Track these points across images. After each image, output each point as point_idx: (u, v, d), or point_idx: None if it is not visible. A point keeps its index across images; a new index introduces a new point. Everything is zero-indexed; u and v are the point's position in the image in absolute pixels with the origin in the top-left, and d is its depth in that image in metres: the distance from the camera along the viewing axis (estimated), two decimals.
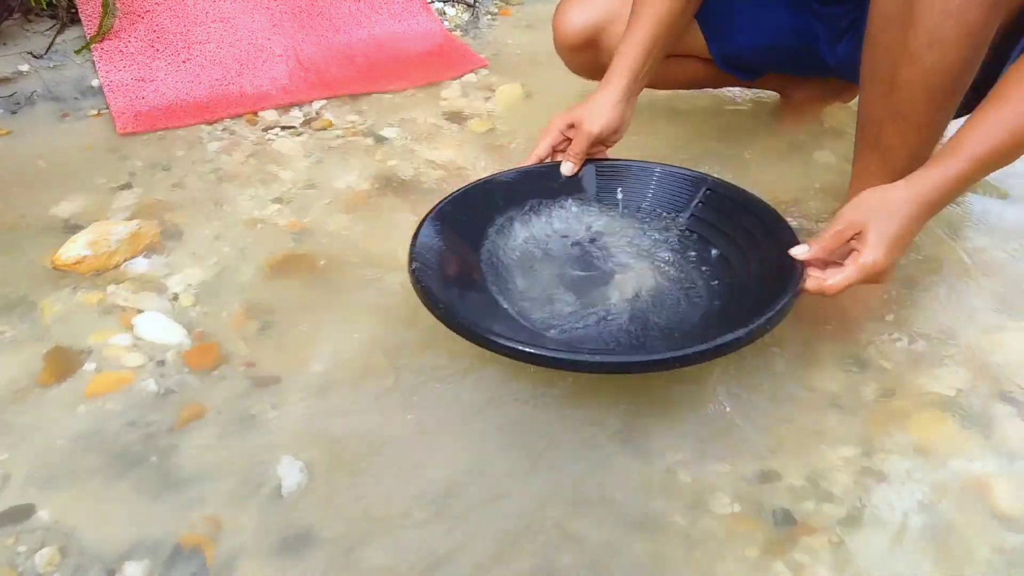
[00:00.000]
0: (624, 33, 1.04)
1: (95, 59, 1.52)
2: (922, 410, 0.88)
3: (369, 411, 0.87)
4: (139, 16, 1.57)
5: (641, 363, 0.81)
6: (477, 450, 0.83)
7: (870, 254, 0.79)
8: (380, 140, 1.40)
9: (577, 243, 1.03)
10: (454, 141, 1.40)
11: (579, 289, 0.96)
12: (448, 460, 0.82)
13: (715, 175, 1.03)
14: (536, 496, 0.78)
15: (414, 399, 0.89)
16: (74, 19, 1.63)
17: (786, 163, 1.31)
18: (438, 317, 0.82)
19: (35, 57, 1.56)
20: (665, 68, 1.29)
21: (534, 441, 0.84)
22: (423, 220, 0.94)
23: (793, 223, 0.95)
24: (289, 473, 0.80)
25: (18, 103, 1.46)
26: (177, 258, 1.10)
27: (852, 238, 0.81)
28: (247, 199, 1.23)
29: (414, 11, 1.78)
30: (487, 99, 1.54)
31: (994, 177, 1.22)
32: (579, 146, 1.02)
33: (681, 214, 1.03)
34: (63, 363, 0.92)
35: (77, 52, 1.56)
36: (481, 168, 1.30)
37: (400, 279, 1.06)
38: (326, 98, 1.52)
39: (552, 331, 0.89)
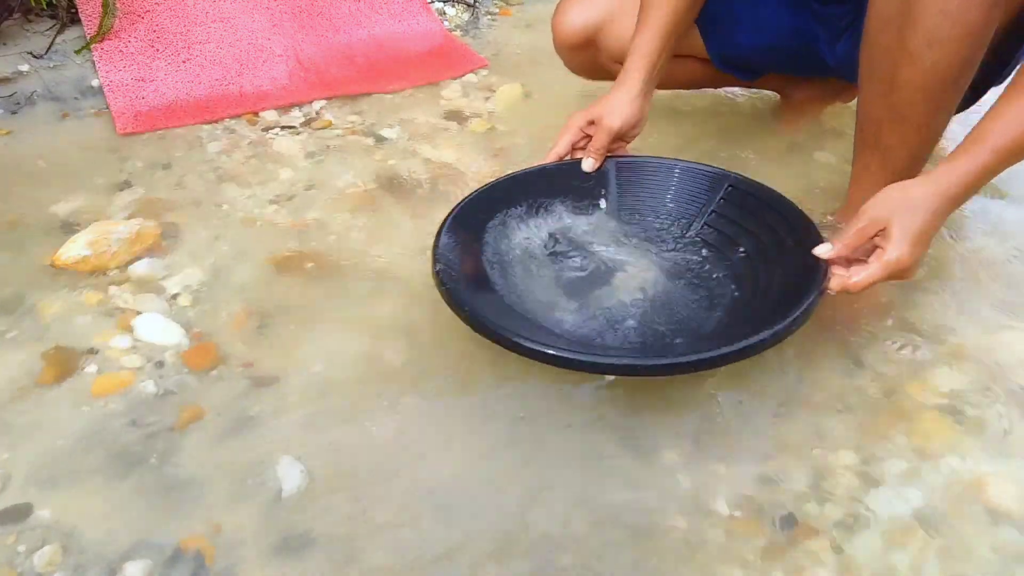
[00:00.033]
0: (636, 29, 1.05)
1: (95, 59, 1.52)
2: (922, 410, 0.87)
3: (369, 411, 0.87)
4: (139, 16, 1.57)
5: (667, 366, 0.81)
6: (477, 450, 0.83)
7: (894, 251, 0.79)
8: (380, 140, 1.40)
9: (597, 242, 1.02)
10: (454, 141, 1.40)
11: (599, 290, 0.96)
12: (447, 461, 0.82)
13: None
14: (535, 497, 0.78)
15: (414, 399, 0.89)
16: (74, 19, 1.62)
17: (786, 163, 1.31)
18: (464, 319, 0.82)
19: (35, 57, 1.56)
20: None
21: (533, 441, 0.84)
22: (445, 220, 0.94)
23: None
24: (289, 474, 0.80)
25: (18, 103, 1.46)
26: (176, 258, 1.10)
27: (875, 235, 0.81)
28: (247, 199, 1.23)
29: (414, 11, 1.78)
30: (487, 99, 1.54)
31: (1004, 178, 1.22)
32: (600, 142, 1.03)
33: (703, 211, 1.03)
34: (63, 363, 0.92)
35: (77, 52, 1.56)
36: (481, 168, 1.30)
37: (400, 278, 1.06)
38: (326, 98, 1.52)
39: (574, 332, 0.89)
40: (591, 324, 0.90)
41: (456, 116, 1.48)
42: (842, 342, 0.96)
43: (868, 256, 0.82)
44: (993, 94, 0.85)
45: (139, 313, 1.00)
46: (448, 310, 0.84)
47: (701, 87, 1.41)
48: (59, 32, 1.61)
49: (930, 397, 0.89)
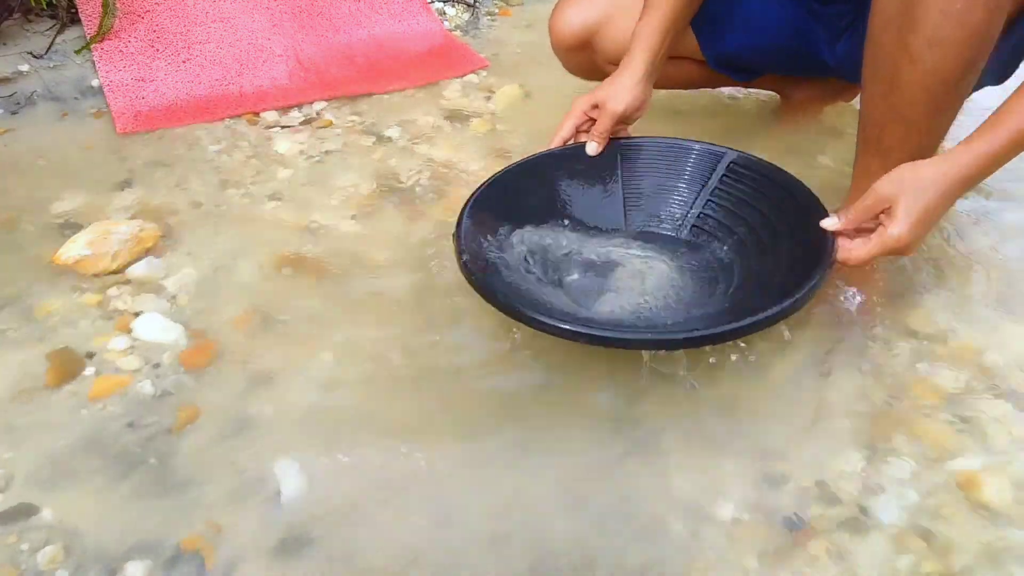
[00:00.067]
0: (640, 16, 1.06)
1: (95, 59, 1.52)
2: (923, 411, 0.88)
3: (368, 411, 0.87)
4: (139, 16, 1.57)
5: (695, 338, 0.82)
6: (477, 451, 0.83)
7: (895, 228, 0.80)
8: (380, 140, 1.40)
9: (603, 226, 1.04)
10: (454, 141, 1.40)
11: (608, 271, 0.98)
12: (447, 461, 0.82)
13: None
14: (536, 497, 0.79)
15: (414, 398, 0.89)
16: (74, 19, 1.63)
17: (787, 163, 1.30)
18: (498, 307, 0.82)
19: (35, 57, 1.56)
20: (663, 69, 1.29)
21: (535, 441, 0.84)
22: (463, 211, 0.95)
23: None
24: (287, 474, 0.80)
25: (18, 103, 1.46)
26: (176, 258, 1.10)
27: (882, 212, 0.82)
28: (247, 199, 1.23)
29: (414, 11, 1.79)
30: (487, 99, 1.54)
31: (994, 177, 1.22)
32: (603, 126, 1.04)
33: (706, 188, 1.04)
34: (64, 364, 0.92)
35: (77, 52, 1.56)
36: (481, 168, 1.30)
37: (400, 278, 1.06)
38: (326, 99, 1.52)
39: (589, 312, 0.91)
40: (615, 304, 0.93)
41: (456, 116, 1.48)
42: (840, 342, 0.96)
43: (872, 232, 0.83)
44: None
45: (139, 313, 1.00)
46: (448, 309, 0.84)
47: (699, 88, 1.41)
48: (59, 32, 1.61)
49: (931, 398, 0.89)
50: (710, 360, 0.92)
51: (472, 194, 0.98)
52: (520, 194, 1.02)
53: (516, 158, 1.08)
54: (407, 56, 1.69)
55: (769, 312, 0.79)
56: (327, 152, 1.37)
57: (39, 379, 0.91)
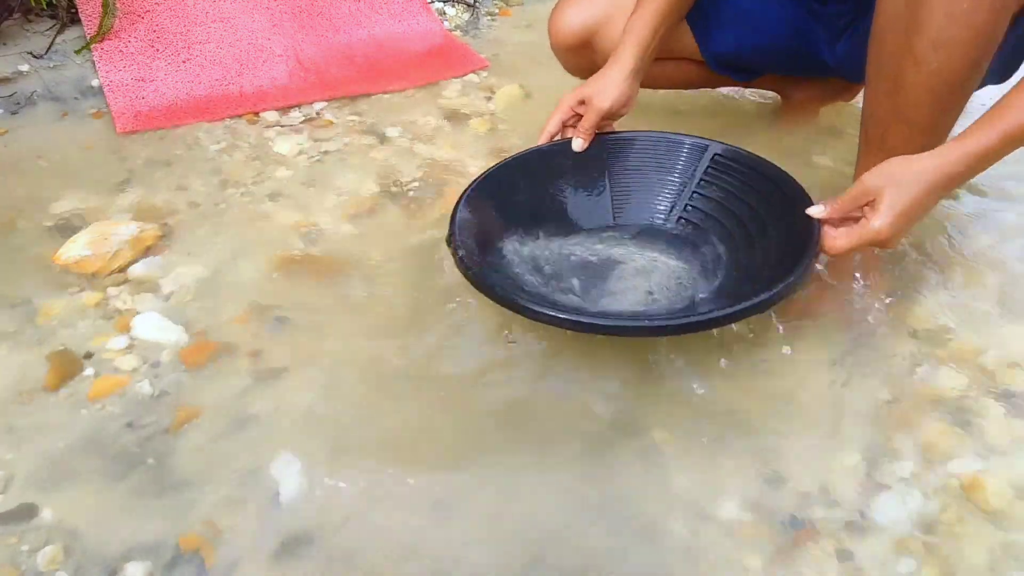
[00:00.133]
0: (632, 12, 1.06)
1: (95, 59, 1.52)
2: (923, 411, 0.88)
3: (369, 411, 0.87)
4: (139, 16, 1.57)
5: (686, 324, 0.83)
6: (478, 451, 0.83)
7: (878, 220, 0.80)
8: (380, 140, 1.40)
9: (591, 222, 1.06)
10: (454, 141, 1.40)
11: (609, 270, 0.99)
12: (448, 461, 0.82)
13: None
14: (537, 497, 0.79)
15: (414, 397, 0.89)
16: (74, 19, 1.63)
17: (787, 163, 1.30)
18: (496, 300, 0.83)
19: (35, 57, 1.56)
20: (660, 69, 1.29)
21: (536, 440, 0.84)
22: (456, 208, 0.96)
23: None
24: (287, 474, 0.80)
25: (18, 103, 1.46)
26: (176, 258, 1.10)
27: (867, 204, 0.83)
28: (247, 199, 1.23)
29: (414, 11, 1.78)
30: (488, 99, 1.54)
31: (994, 177, 1.22)
32: (589, 122, 1.04)
33: (692, 180, 1.06)
34: (64, 365, 0.93)
35: (77, 52, 1.56)
36: (481, 168, 1.29)
37: (400, 277, 1.06)
38: (326, 99, 1.52)
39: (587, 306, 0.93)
40: (602, 296, 0.94)
41: (456, 116, 1.48)
42: (840, 341, 0.96)
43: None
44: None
45: (139, 312, 1.00)
46: (448, 309, 0.84)
47: (699, 88, 1.41)
48: (59, 32, 1.61)
49: (930, 397, 0.89)
50: (720, 363, 0.92)
51: (464, 191, 0.99)
52: (510, 191, 1.03)
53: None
54: (407, 56, 1.69)
55: (757, 299, 0.80)
56: (327, 152, 1.37)
57: (39, 380, 0.91)
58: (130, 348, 0.95)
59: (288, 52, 1.62)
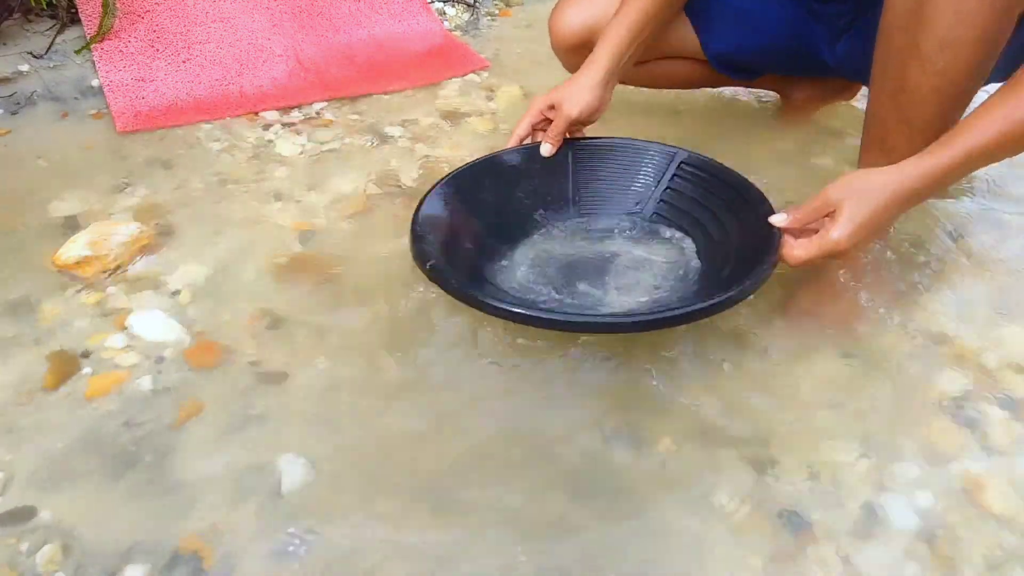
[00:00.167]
0: (611, 19, 1.06)
1: (95, 59, 1.52)
2: (923, 411, 0.88)
3: (370, 410, 0.87)
4: (139, 16, 1.57)
5: (606, 324, 0.85)
6: (478, 447, 0.83)
7: (836, 232, 0.81)
8: (381, 140, 1.40)
9: (556, 227, 1.07)
10: (454, 141, 1.40)
11: (563, 267, 1.00)
12: (449, 458, 0.82)
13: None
14: (537, 492, 0.79)
15: (414, 397, 0.89)
16: (74, 19, 1.63)
17: (788, 163, 1.31)
18: (465, 302, 0.84)
19: (35, 57, 1.56)
20: (661, 69, 1.29)
21: (535, 436, 0.84)
22: (419, 206, 0.97)
23: None
24: (290, 472, 0.80)
25: (18, 103, 1.46)
26: (177, 257, 1.10)
27: (827, 215, 0.83)
28: (247, 198, 1.23)
29: (414, 11, 1.79)
30: (488, 99, 1.54)
31: (994, 177, 1.22)
32: (557, 128, 1.05)
33: (658, 187, 1.07)
34: (65, 365, 0.92)
35: (77, 52, 1.56)
36: None
37: (400, 277, 1.06)
38: (326, 99, 1.52)
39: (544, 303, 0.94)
40: (566, 297, 0.95)
41: (456, 116, 1.48)
42: (840, 341, 0.96)
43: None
44: None
45: (140, 312, 1.00)
46: (447, 310, 0.84)
47: (699, 87, 1.41)
48: (59, 32, 1.61)
49: (930, 397, 0.89)
50: (723, 364, 0.92)
51: (428, 190, 1.00)
52: (476, 191, 1.04)
53: None
54: (407, 56, 1.69)
55: (710, 302, 0.81)
56: (327, 152, 1.37)
57: (39, 380, 0.91)
58: (134, 347, 0.95)
59: (288, 52, 1.62)
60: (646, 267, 1.00)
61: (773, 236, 0.87)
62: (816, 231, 0.84)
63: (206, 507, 0.77)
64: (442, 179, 1.03)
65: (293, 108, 1.49)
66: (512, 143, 1.08)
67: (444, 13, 1.89)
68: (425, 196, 0.98)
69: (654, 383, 0.90)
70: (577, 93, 1.03)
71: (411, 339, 0.96)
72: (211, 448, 0.83)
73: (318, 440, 0.84)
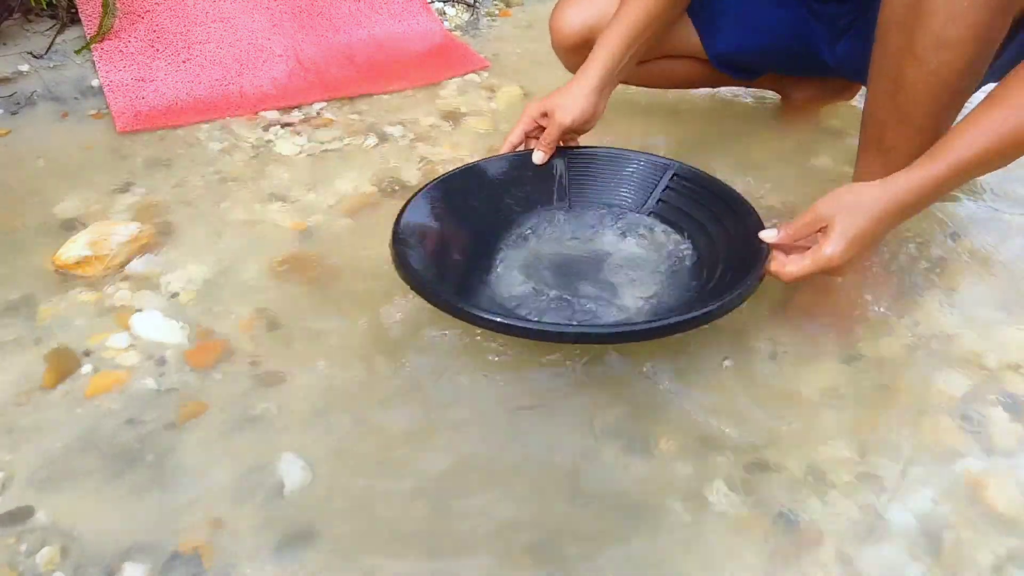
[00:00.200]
0: (607, 26, 1.05)
1: (95, 59, 1.52)
2: (922, 411, 0.87)
3: (370, 409, 0.87)
4: (139, 16, 1.57)
5: (607, 334, 0.86)
6: (478, 446, 0.83)
7: (829, 248, 0.81)
8: (381, 140, 1.40)
9: (546, 234, 1.06)
10: (454, 141, 1.40)
11: (549, 276, 0.99)
12: (449, 456, 0.82)
13: (681, 162, 1.07)
14: (536, 493, 0.79)
15: (415, 397, 0.89)
16: (74, 19, 1.63)
17: (789, 164, 1.31)
18: (449, 312, 0.84)
19: (35, 57, 1.56)
20: (661, 68, 1.29)
21: (533, 435, 0.84)
22: (402, 209, 0.97)
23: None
24: (290, 471, 0.80)
25: (18, 103, 1.46)
26: (177, 257, 1.10)
27: (820, 230, 0.83)
28: (247, 198, 1.23)
29: (414, 11, 1.78)
30: (488, 99, 1.54)
31: (995, 178, 1.22)
32: (550, 136, 1.05)
33: (649, 199, 1.07)
34: (65, 364, 0.92)
35: (77, 52, 1.56)
36: None
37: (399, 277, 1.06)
38: (326, 99, 1.52)
39: (523, 312, 0.93)
40: (547, 306, 0.95)
41: (456, 116, 1.48)
42: (843, 342, 0.96)
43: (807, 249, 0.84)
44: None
45: (140, 311, 1.00)
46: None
47: (700, 87, 1.41)
48: (59, 32, 1.61)
49: (930, 397, 0.89)
50: (724, 363, 0.92)
51: (413, 194, 0.99)
52: (465, 197, 1.03)
53: None
54: (407, 56, 1.69)
55: (688, 315, 0.82)
56: (327, 151, 1.36)
57: (38, 380, 0.91)
58: (134, 347, 0.95)
59: (288, 52, 1.62)
60: (634, 276, 0.99)
61: (761, 251, 0.88)
62: (807, 247, 0.84)
63: (207, 507, 0.77)
64: (428, 184, 1.02)
65: (293, 108, 1.49)
66: (505, 150, 1.08)
67: (444, 13, 1.89)
68: (409, 200, 0.98)
69: (652, 383, 0.90)
70: (571, 101, 1.03)
71: (411, 340, 0.96)
72: (211, 448, 0.83)
73: (317, 441, 0.84)
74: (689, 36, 1.23)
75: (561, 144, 1.07)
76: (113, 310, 1.00)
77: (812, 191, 1.10)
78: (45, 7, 1.62)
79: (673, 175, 1.06)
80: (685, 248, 1.01)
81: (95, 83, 1.51)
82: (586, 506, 0.77)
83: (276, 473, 0.80)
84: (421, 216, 0.98)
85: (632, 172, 1.09)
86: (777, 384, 0.91)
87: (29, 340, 0.96)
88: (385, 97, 1.54)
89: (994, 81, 0.97)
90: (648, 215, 1.06)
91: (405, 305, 1.00)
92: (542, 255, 1.03)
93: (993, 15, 0.79)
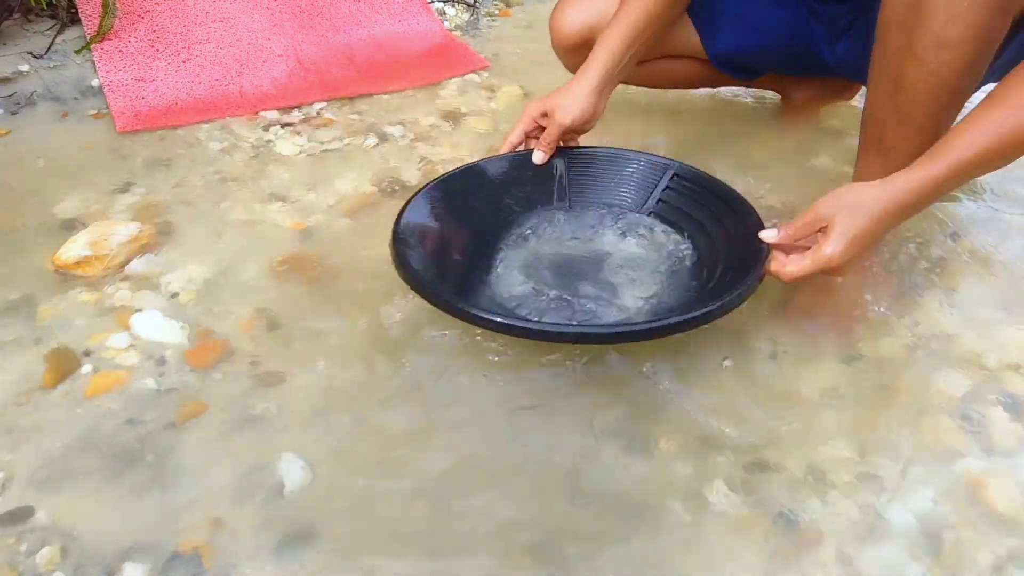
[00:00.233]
0: (607, 25, 1.05)
1: (95, 59, 1.52)
2: (922, 411, 0.87)
3: (370, 409, 0.87)
4: (139, 16, 1.57)
5: (588, 334, 0.86)
6: (478, 446, 0.83)
7: (829, 248, 0.81)
8: (381, 140, 1.40)
9: (546, 233, 1.06)
10: (454, 141, 1.40)
11: (549, 276, 0.99)
12: (449, 456, 0.82)
13: (685, 164, 1.07)
14: (535, 491, 0.79)
15: (415, 397, 0.89)
16: (74, 19, 1.63)
17: (788, 164, 1.31)
18: (446, 310, 0.84)
19: (35, 57, 1.56)
20: (661, 68, 1.29)
21: (534, 435, 0.84)
22: (404, 207, 0.97)
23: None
24: (290, 471, 0.80)
25: (18, 103, 1.46)
26: (177, 257, 1.10)
27: (820, 230, 0.83)
28: (247, 198, 1.23)
29: (414, 11, 1.78)
30: (488, 99, 1.54)
31: (995, 177, 1.22)
32: (550, 136, 1.04)
33: (649, 199, 1.07)
34: (65, 364, 0.92)
35: (77, 52, 1.56)
36: None
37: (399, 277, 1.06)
38: (326, 99, 1.52)
39: (523, 312, 0.93)
40: (546, 305, 0.95)
41: (456, 116, 1.48)
42: (842, 342, 0.96)
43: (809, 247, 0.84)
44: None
45: (140, 311, 1.00)
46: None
47: (700, 87, 1.41)
48: (59, 32, 1.61)
49: (930, 397, 0.89)
50: (724, 363, 0.92)
51: (413, 194, 0.99)
52: (464, 198, 1.03)
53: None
54: (407, 56, 1.69)
55: (688, 315, 0.81)
56: (327, 151, 1.36)
57: (38, 379, 0.91)
58: (134, 347, 0.95)
59: (288, 52, 1.62)
60: (634, 276, 0.99)
61: (760, 251, 0.88)
62: (806, 247, 0.84)
63: (207, 507, 0.77)
64: (428, 184, 1.02)
65: (293, 108, 1.49)
66: (505, 150, 1.08)
67: (444, 13, 1.89)
68: (409, 200, 0.98)
69: (652, 383, 0.90)
70: (571, 101, 1.03)
71: (411, 340, 0.96)
72: (211, 448, 0.83)
73: (317, 441, 0.84)
74: (689, 36, 1.23)
75: (561, 144, 1.07)
76: (113, 310, 1.00)
77: (812, 191, 1.10)
78: (45, 7, 1.62)
79: (673, 175, 1.06)
80: (685, 248, 1.01)
81: (95, 83, 1.51)
82: (586, 506, 0.77)
83: (276, 473, 0.80)
84: (421, 216, 0.98)
85: (632, 172, 1.09)
86: (777, 384, 0.91)
87: (29, 340, 0.96)
88: (385, 97, 1.54)
89: (994, 81, 0.98)
90: (648, 215, 1.06)
91: (405, 305, 1.00)
92: (542, 255, 1.03)
93: (993, 15, 0.79)
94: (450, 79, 1.61)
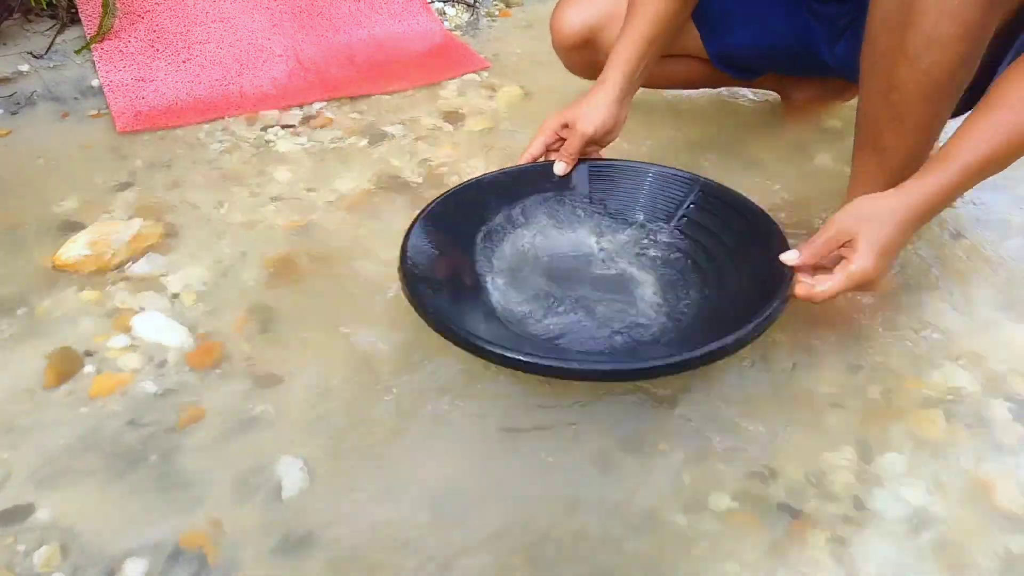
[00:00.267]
0: (620, 32, 1.05)
1: (95, 59, 1.52)
2: (922, 410, 0.87)
3: (370, 412, 0.87)
4: (139, 16, 1.57)
5: (627, 371, 0.82)
6: (476, 450, 0.83)
7: (860, 262, 0.80)
8: (381, 139, 1.40)
9: (568, 246, 1.03)
10: (454, 141, 1.40)
11: (568, 294, 0.96)
12: (447, 460, 0.82)
13: (711, 177, 1.04)
14: (535, 495, 0.79)
15: (416, 400, 0.89)
16: (74, 19, 1.63)
17: (788, 164, 1.31)
18: (436, 329, 0.83)
19: (35, 57, 1.56)
20: (662, 68, 1.29)
21: (532, 441, 0.84)
22: (412, 224, 0.95)
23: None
24: (289, 473, 0.80)
25: (18, 103, 1.46)
26: (178, 258, 1.10)
27: (843, 245, 0.82)
28: (248, 199, 1.23)
29: (414, 11, 1.78)
30: (489, 99, 1.54)
31: (995, 177, 1.22)
32: (572, 146, 1.03)
33: (673, 215, 1.03)
34: (64, 364, 0.92)
35: (77, 52, 1.56)
36: (481, 168, 1.30)
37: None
38: (326, 99, 1.52)
39: (539, 337, 0.90)
40: (567, 329, 0.91)
41: (456, 116, 1.48)
42: (842, 341, 0.96)
43: (834, 264, 0.82)
44: None
45: (140, 312, 1.00)
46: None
47: (700, 87, 1.41)
48: (59, 32, 1.61)
49: (930, 396, 0.89)
50: (725, 367, 0.92)
51: (423, 210, 0.97)
52: (482, 211, 1.01)
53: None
54: (407, 56, 1.69)
55: (709, 348, 0.78)
56: (327, 151, 1.36)
57: (38, 379, 0.91)
58: (134, 348, 0.95)
59: (288, 52, 1.62)
60: (653, 294, 0.96)
61: (784, 276, 0.84)
62: (827, 268, 0.82)
63: (207, 508, 0.77)
64: (437, 198, 0.99)
65: (293, 108, 1.49)
66: (524, 162, 1.05)
67: (444, 13, 1.89)
68: (417, 218, 0.95)
69: (652, 388, 0.90)
70: (592, 111, 1.01)
71: (410, 340, 0.96)
72: (211, 450, 0.83)
73: (317, 443, 0.84)
74: (690, 36, 1.23)
75: (581, 157, 1.05)
76: (114, 310, 1.00)
77: (812, 191, 1.11)
78: (45, 7, 1.62)
79: (699, 191, 1.03)
80: (707, 266, 0.97)
81: (95, 83, 1.51)
82: (585, 510, 0.77)
83: (275, 475, 0.80)
84: (431, 234, 0.95)
85: (657, 187, 1.05)
86: (777, 383, 0.91)
87: (29, 340, 0.96)
88: (385, 97, 1.54)
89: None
90: (672, 230, 1.02)
91: (405, 305, 1.00)
92: (562, 271, 0.99)
93: (984, 12, 0.79)
94: (450, 79, 1.61)
